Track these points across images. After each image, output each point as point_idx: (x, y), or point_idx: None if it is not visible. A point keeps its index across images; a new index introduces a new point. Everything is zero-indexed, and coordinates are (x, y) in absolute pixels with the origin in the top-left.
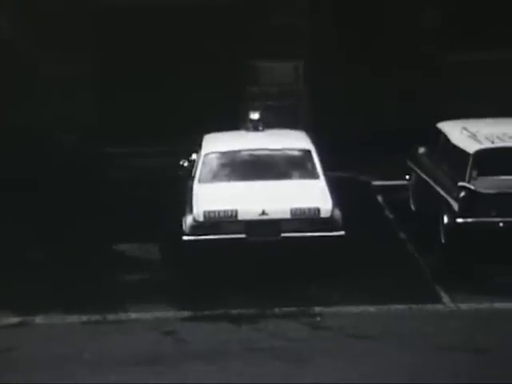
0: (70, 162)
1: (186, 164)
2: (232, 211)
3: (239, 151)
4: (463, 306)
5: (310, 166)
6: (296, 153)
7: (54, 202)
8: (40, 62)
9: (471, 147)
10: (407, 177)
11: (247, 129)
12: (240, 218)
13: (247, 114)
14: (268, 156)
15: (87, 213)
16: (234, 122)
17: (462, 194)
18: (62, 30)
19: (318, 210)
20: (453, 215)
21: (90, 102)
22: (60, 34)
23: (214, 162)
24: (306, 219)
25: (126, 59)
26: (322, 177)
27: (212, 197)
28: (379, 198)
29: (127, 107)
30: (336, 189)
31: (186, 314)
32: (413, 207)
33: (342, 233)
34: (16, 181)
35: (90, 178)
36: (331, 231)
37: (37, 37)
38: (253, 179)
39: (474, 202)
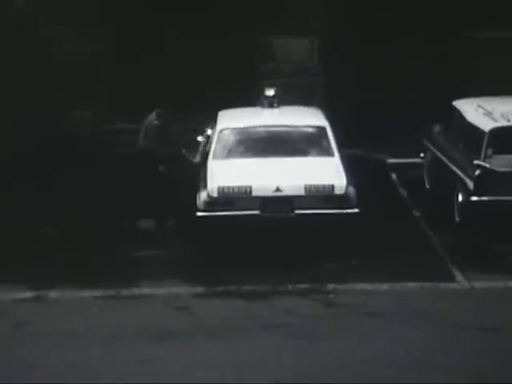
0: (85, 140)
1: (201, 139)
2: (246, 187)
3: (254, 127)
4: (477, 285)
5: (324, 142)
6: (311, 129)
7: (70, 178)
8: (53, 39)
9: (487, 125)
10: (422, 155)
11: (262, 105)
12: (254, 194)
13: (262, 91)
14: (283, 132)
15: (101, 189)
16: (248, 98)
17: (477, 172)
18: (75, 6)
19: (333, 186)
20: (467, 193)
21: (104, 79)
22: (73, 10)
23: (228, 138)
24: (321, 196)
25: (140, 35)
26: (336, 154)
27: (226, 173)
28: (393, 176)
29: (141, 84)
30: (350, 166)
31: (198, 289)
32: (427, 185)
33: (356, 210)
34: (31, 157)
35: (105, 154)
36: (345, 208)
37: (49, 13)
38: (267, 156)
39: (488, 181)
